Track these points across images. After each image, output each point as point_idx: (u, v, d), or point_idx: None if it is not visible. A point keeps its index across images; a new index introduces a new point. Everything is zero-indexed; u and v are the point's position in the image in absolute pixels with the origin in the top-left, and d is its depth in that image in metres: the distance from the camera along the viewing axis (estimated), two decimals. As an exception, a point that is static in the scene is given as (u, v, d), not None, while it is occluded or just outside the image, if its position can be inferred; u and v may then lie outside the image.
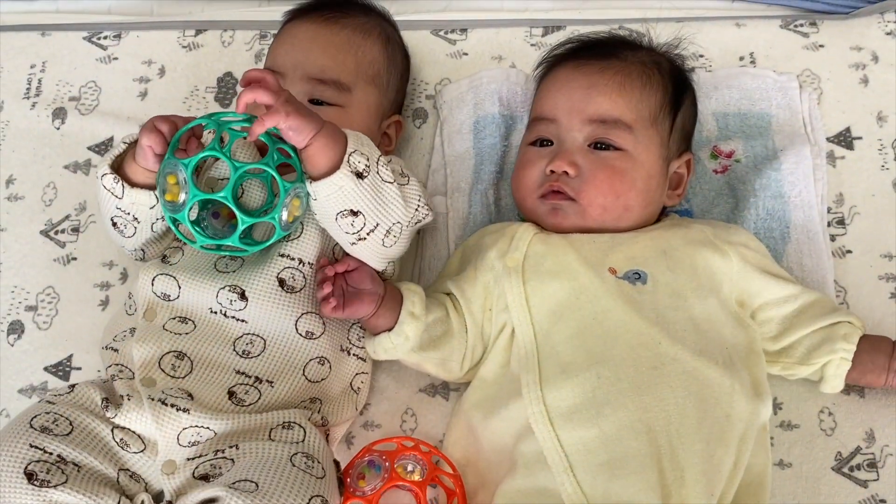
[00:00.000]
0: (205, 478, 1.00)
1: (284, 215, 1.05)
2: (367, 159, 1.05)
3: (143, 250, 1.19)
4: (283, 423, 1.05)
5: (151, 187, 1.09)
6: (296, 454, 1.00)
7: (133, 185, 1.09)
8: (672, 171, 1.22)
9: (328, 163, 1.03)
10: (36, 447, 0.98)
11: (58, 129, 1.44)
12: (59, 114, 1.45)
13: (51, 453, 0.98)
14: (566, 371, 1.05)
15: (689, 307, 1.09)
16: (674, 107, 1.22)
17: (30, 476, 0.96)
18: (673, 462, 1.00)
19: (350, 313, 1.11)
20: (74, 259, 1.36)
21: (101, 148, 1.42)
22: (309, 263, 1.13)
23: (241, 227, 1.03)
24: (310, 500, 0.95)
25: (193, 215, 1.06)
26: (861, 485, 1.13)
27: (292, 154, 1.05)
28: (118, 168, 1.11)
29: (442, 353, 1.15)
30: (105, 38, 1.51)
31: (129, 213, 1.12)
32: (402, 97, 1.37)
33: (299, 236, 1.13)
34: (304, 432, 1.04)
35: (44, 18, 1.54)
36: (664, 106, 1.21)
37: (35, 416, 1.01)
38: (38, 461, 0.97)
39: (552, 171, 1.17)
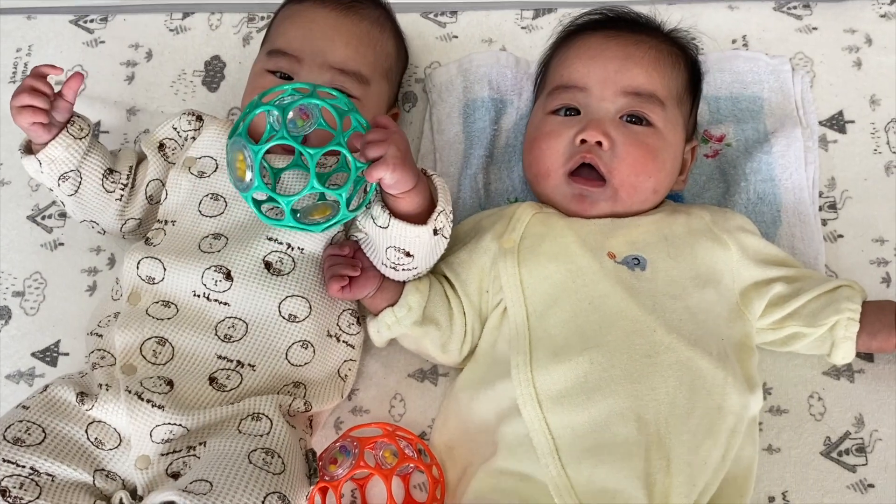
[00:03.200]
0: (175, 475, 1.00)
1: (354, 198, 1.05)
2: (446, 219, 1.08)
3: (92, 221, 1.22)
4: (253, 413, 1.04)
5: (36, 150, 1.15)
6: (255, 450, 0.98)
7: (28, 153, 1.16)
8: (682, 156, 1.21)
9: (411, 210, 1.04)
10: (8, 461, 0.98)
11: (44, 113, 1.43)
12: (46, 98, 1.44)
13: (23, 466, 0.98)
14: (558, 354, 1.04)
15: (686, 296, 1.08)
16: (693, 90, 1.21)
17: (3, 493, 0.96)
18: (660, 451, 0.99)
19: (356, 292, 1.10)
20: (62, 244, 1.35)
21: (88, 132, 1.41)
22: (298, 248, 1.12)
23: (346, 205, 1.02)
24: (265, 497, 0.94)
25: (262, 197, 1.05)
26: (850, 469, 1.13)
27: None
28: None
29: (442, 332, 1.13)
30: (91, 21, 1.50)
31: (41, 184, 1.17)
32: (399, 89, 1.36)
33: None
34: (271, 424, 1.03)
35: (30, 1, 1.52)
36: (688, 88, 1.20)
37: (8, 427, 1.01)
38: (10, 476, 0.97)
39: (583, 141, 1.13)
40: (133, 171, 1.22)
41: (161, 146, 1.23)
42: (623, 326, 1.04)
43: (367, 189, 1.05)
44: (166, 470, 1.01)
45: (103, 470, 1.03)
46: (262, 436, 1.01)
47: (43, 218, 1.36)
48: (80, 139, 1.15)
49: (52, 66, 1.14)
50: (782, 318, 1.12)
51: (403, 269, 1.11)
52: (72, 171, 1.16)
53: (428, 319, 1.13)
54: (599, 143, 1.13)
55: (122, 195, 1.20)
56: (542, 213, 1.17)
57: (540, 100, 1.25)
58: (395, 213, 1.04)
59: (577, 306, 1.07)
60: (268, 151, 1.00)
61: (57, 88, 1.14)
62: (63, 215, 1.36)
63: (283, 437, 1.02)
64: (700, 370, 1.03)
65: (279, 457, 0.99)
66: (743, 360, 1.08)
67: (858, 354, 1.13)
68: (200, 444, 1.02)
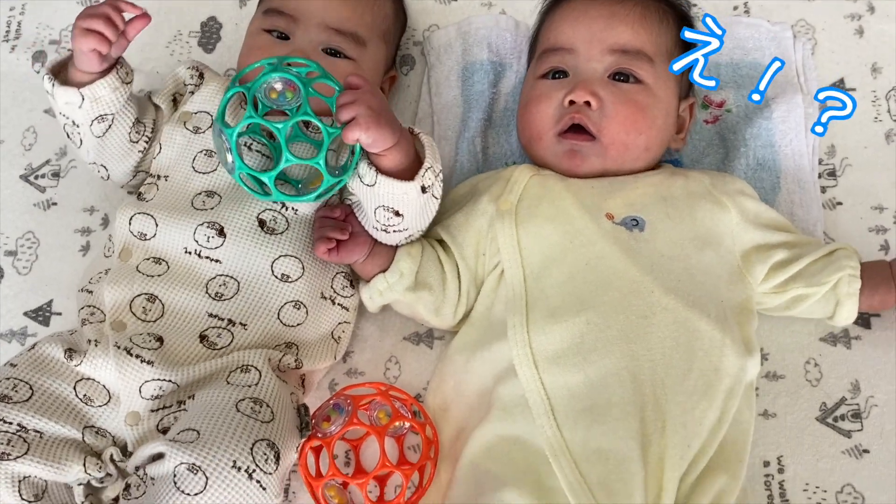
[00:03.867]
0: (166, 431, 0.99)
1: (331, 160, 1.04)
2: (434, 176, 1.06)
3: (104, 166, 1.17)
4: (242, 365, 1.03)
5: (79, 84, 1.08)
6: (242, 399, 0.98)
7: (64, 83, 1.08)
8: (678, 113, 1.20)
9: (396, 168, 1.03)
10: None
11: (38, 72, 1.42)
12: (40, 57, 1.42)
13: (10, 423, 0.97)
14: (555, 315, 1.03)
15: (685, 257, 1.07)
16: (687, 46, 1.20)
17: None
18: (656, 412, 0.99)
19: (344, 256, 1.10)
20: (55, 204, 1.34)
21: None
22: (293, 208, 1.11)
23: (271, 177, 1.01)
24: (254, 444, 0.93)
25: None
26: (845, 435, 1.12)
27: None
28: (60, 72, 1.10)
29: (435, 296, 1.12)
30: (87, -20, 1.48)
31: (68, 118, 1.10)
32: (396, 52, 1.35)
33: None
34: (260, 375, 1.02)
35: (24, -39, 1.51)
36: (678, 44, 1.19)
37: None
38: None
39: (571, 102, 1.13)
40: (154, 124, 1.18)
41: (174, 100, 1.20)
42: (620, 287, 1.04)
43: (354, 153, 1.05)
44: (157, 426, 1.01)
45: (93, 426, 1.03)
46: (250, 386, 1.00)
47: (36, 177, 1.35)
48: (126, 84, 1.12)
49: (132, 5, 1.08)
50: (784, 282, 1.11)
51: (394, 231, 1.10)
52: (110, 114, 1.12)
53: (420, 285, 1.12)
54: (588, 104, 1.12)
55: (144, 147, 1.17)
56: (540, 175, 1.16)
57: (532, 64, 1.24)
58: (381, 171, 1.03)
59: (574, 267, 1.06)
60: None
61: (51, 49, 1.12)
62: (56, 175, 1.35)
63: (271, 388, 1.01)
64: (697, 331, 1.02)
65: (268, 406, 0.98)
66: (742, 324, 1.08)
67: (856, 321, 1.13)
68: (189, 397, 1.01)
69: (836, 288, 1.10)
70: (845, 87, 1.33)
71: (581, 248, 1.07)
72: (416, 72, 1.39)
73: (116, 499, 1.01)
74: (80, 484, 1.00)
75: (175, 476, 0.90)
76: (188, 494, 0.89)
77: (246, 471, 0.91)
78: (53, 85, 1.08)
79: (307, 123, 1.09)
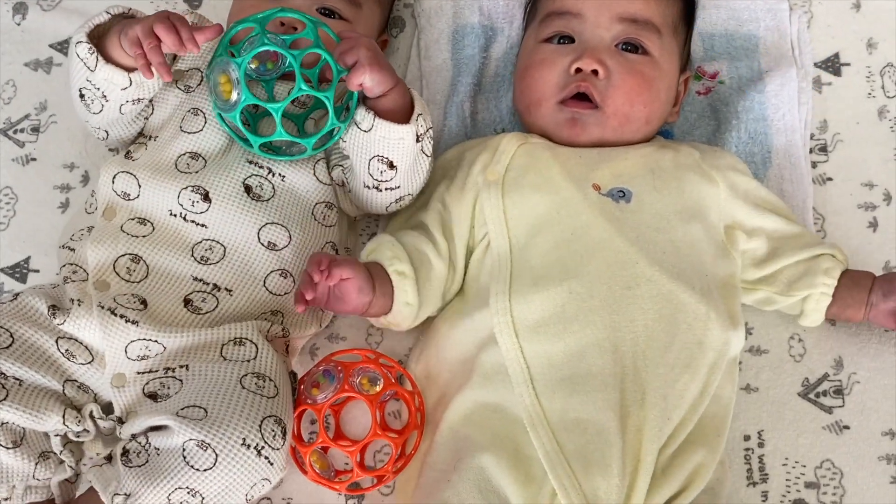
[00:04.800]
0: (153, 396, 0.98)
1: (310, 127, 1.05)
2: (426, 127, 1.06)
3: (106, 131, 1.13)
4: (235, 338, 1.02)
5: (129, 69, 1.04)
6: (246, 375, 0.97)
7: (109, 60, 1.04)
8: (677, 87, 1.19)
9: (393, 110, 1.04)
10: None
11: (18, 24, 1.38)
12: (20, 9, 1.39)
13: None
14: (537, 284, 1.02)
15: (671, 229, 1.06)
16: (688, 19, 1.19)
17: None
18: (636, 383, 0.98)
19: (329, 310, 1.09)
20: (34, 160, 1.31)
21: (64, 46, 1.36)
22: (279, 175, 1.09)
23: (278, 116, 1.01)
24: (262, 421, 0.94)
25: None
26: (826, 411, 1.12)
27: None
28: (97, 39, 1.05)
29: (436, 304, 1.10)
30: (69, -69, 1.44)
31: (98, 89, 1.06)
32: (389, 15, 1.32)
33: None
34: (257, 349, 1.01)
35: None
36: (682, 16, 1.17)
37: None
38: None
39: (578, 70, 1.11)
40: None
41: (174, 57, 1.15)
42: (604, 257, 1.03)
43: (350, 107, 1.05)
44: (143, 390, 0.99)
45: (74, 381, 1.01)
46: (248, 360, 1.00)
47: (15, 132, 1.32)
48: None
49: (211, 29, 1.00)
50: (756, 281, 1.12)
51: (386, 189, 1.08)
52: (147, 98, 1.10)
53: (420, 319, 1.10)
54: (595, 72, 1.10)
55: (148, 115, 1.14)
56: (528, 143, 1.14)
57: (531, 27, 1.21)
58: (378, 114, 1.03)
59: (559, 237, 1.05)
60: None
61: (32, 1, 1.08)
62: (35, 130, 1.32)
63: (271, 361, 1.01)
64: (682, 304, 1.01)
65: (271, 380, 0.98)
66: (727, 298, 1.07)
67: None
68: (181, 367, 1.00)
69: (804, 301, 1.10)
70: (840, 62, 1.32)
71: (567, 218, 1.06)
72: (406, 34, 1.36)
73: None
74: (56, 435, 0.99)
75: (185, 451, 0.91)
76: (198, 470, 0.91)
77: (255, 448, 0.93)
78: (97, 59, 1.03)
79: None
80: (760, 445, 1.10)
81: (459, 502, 0.95)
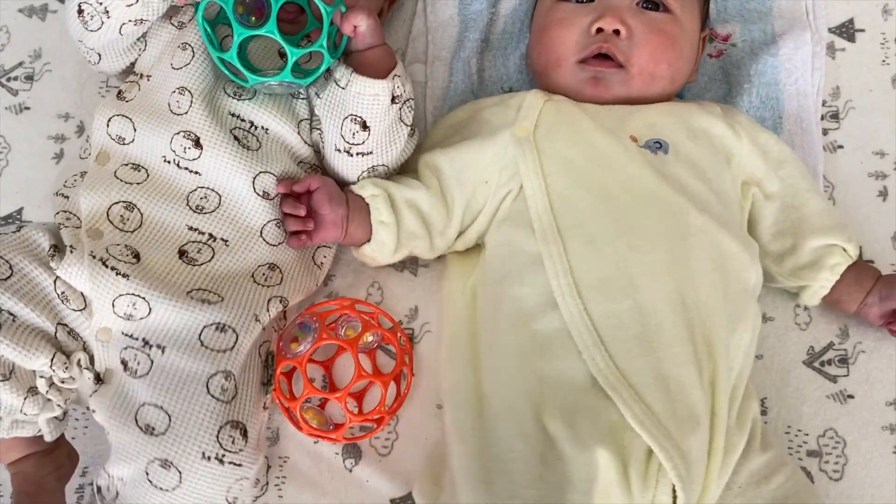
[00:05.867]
0: (124, 363, 0.97)
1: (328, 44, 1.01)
2: (404, 91, 1.05)
3: (99, 55, 1.09)
4: (217, 323, 0.99)
5: None
6: (215, 374, 0.97)
7: None
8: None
9: (373, 64, 1.03)
10: None
11: (10, -32, 1.35)
12: (13, -48, 1.35)
13: None
14: (594, 241, 0.98)
15: (709, 179, 1.04)
16: None
17: None
18: (703, 335, 0.95)
19: (318, 242, 1.06)
20: (27, 108, 1.28)
21: (60, -8, 1.33)
22: (262, 128, 1.07)
23: (291, 60, 0.98)
24: (219, 430, 0.95)
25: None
26: (831, 380, 1.11)
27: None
28: None
29: (424, 242, 1.09)
30: None
31: (101, 3, 1.02)
32: None
33: (252, 97, 1.07)
34: (237, 338, 0.99)
35: None
36: None
37: None
38: None
39: (599, 31, 1.08)
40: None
41: None
42: (657, 209, 1.00)
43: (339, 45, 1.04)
44: (120, 356, 0.98)
45: (66, 325, 0.99)
46: (224, 351, 0.98)
47: (8, 80, 1.29)
48: None
49: None
50: (764, 255, 1.10)
51: (358, 153, 1.06)
52: (149, 21, 1.05)
53: (406, 241, 1.07)
54: (617, 32, 1.07)
55: (142, 48, 1.11)
56: (552, 100, 1.10)
57: None
58: (357, 69, 1.02)
59: (605, 191, 1.01)
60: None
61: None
62: (29, 78, 1.29)
63: (245, 354, 1.00)
64: (730, 253, 1.00)
65: (233, 378, 0.98)
66: (752, 244, 1.06)
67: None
68: (158, 346, 0.98)
69: (803, 288, 1.10)
70: (854, 28, 1.29)
71: (610, 171, 1.02)
72: (412, -11, 1.33)
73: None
74: (41, 377, 0.97)
75: (149, 474, 0.94)
76: (166, 490, 0.94)
77: (216, 458, 0.95)
78: None
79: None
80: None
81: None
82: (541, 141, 1.05)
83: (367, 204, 1.06)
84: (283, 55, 1.06)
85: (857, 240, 1.11)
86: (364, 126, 1.03)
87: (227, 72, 1.04)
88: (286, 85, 1.02)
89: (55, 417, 1.00)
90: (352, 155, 1.06)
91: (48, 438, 1.00)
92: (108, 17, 1.03)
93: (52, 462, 1.01)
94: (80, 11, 1.03)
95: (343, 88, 1.03)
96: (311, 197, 1.04)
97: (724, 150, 1.08)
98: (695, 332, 0.95)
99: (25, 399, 0.96)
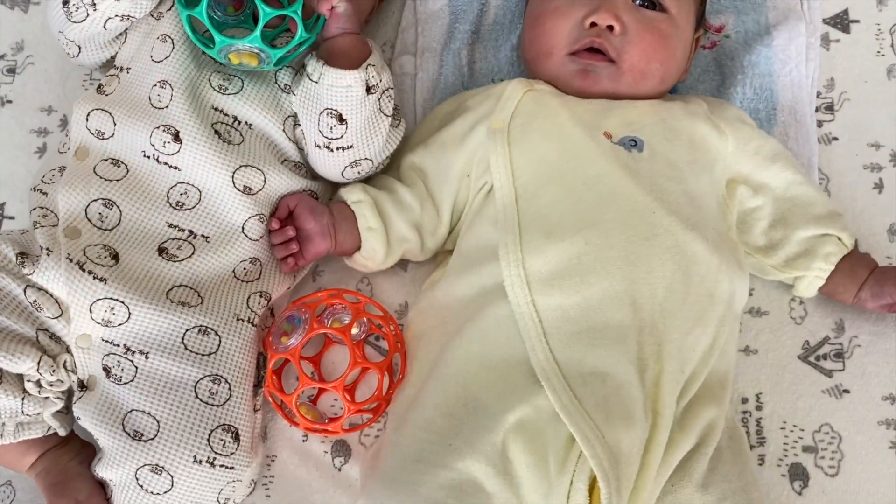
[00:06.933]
0: (107, 370, 0.95)
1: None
2: (380, 81, 1.03)
3: (79, 47, 1.08)
4: (199, 326, 0.97)
5: None
6: (202, 378, 0.96)
7: None
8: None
9: (346, 52, 1.01)
10: None
11: (-8, -41, 1.32)
12: (-4, -57, 1.33)
13: None
14: (551, 235, 0.98)
15: (684, 180, 1.02)
16: None
17: None
18: (653, 336, 0.95)
19: (310, 259, 1.05)
20: (10, 102, 1.26)
21: (42, -16, 1.30)
22: (246, 123, 1.05)
23: (262, 20, 0.95)
24: (210, 434, 0.94)
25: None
26: (826, 374, 1.10)
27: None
28: None
29: (415, 244, 1.08)
30: None
31: None
32: None
33: (237, 93, 1.05)
34: (220, 341, 0.98)
35: None
36: None
37: None
38: None
39: (593, 24, 1.06)
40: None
41: None
42: (621, 207, 0.98)
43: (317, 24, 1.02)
44: (102, 362, 0.96)
45: (47, 331, 0.97)
46: (209, 354, 0.97)
47: (-11, 72, 1.27)
48: None
49: None
50: (756, 248, 1.09)
51: (338, 148, 1.04)
52: (136, 17, 1.05)
53: (396, 246, 1.08)
54: (610, 28, 1.06)
55: (123, 41, 1.09)
56: (534, 90, 1.09)
57: None
58: (329, 60, 1.01)
59: (571, 185, 1.01)
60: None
61: None
62: (11, 71, 1.26)
63: (232, 355, 0.98)
64: (696, 255, 0.98)
65: (226, 382, 0.97)
66: (732, 251, 1.04)
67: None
68: (141, 352, 0.96)
69: (798, 279, 1.09)
70: (849, 19, 1.28)
71: (579, 166, 1.01)
72: (402, -21, 1.31)
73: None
74: (29, 381, 0.95)
75: (138, 479, 0.93)
76: (158, 494, 0.94)
77: (208, 461, 0.94)
78: None
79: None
80: (759, 408, 1.08)
81: (465, 469, 0.89)
82: (515, 132, 1.05)
83: (353, 212, 1.05)
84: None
85: (853, 230, 1.09)
86: (340, 119, 1.02)
87: (195, 39, 1.00)
88: (257, 52, 0.99)
89: (59, 411, 0.98)
90: (332, 150, 1.04)
91: (62, 432, 0.99)
92: (95, 10, 1.01)
93: (67, 452, 1.00)
94: (66, 2, 1.01)
95: (316, 82, 1.01)
96: (293, 216, 1.04)
97: (706, 152, 1.06)
98: (643, 332, 0.95)
99: (24, 399, 0.94)
